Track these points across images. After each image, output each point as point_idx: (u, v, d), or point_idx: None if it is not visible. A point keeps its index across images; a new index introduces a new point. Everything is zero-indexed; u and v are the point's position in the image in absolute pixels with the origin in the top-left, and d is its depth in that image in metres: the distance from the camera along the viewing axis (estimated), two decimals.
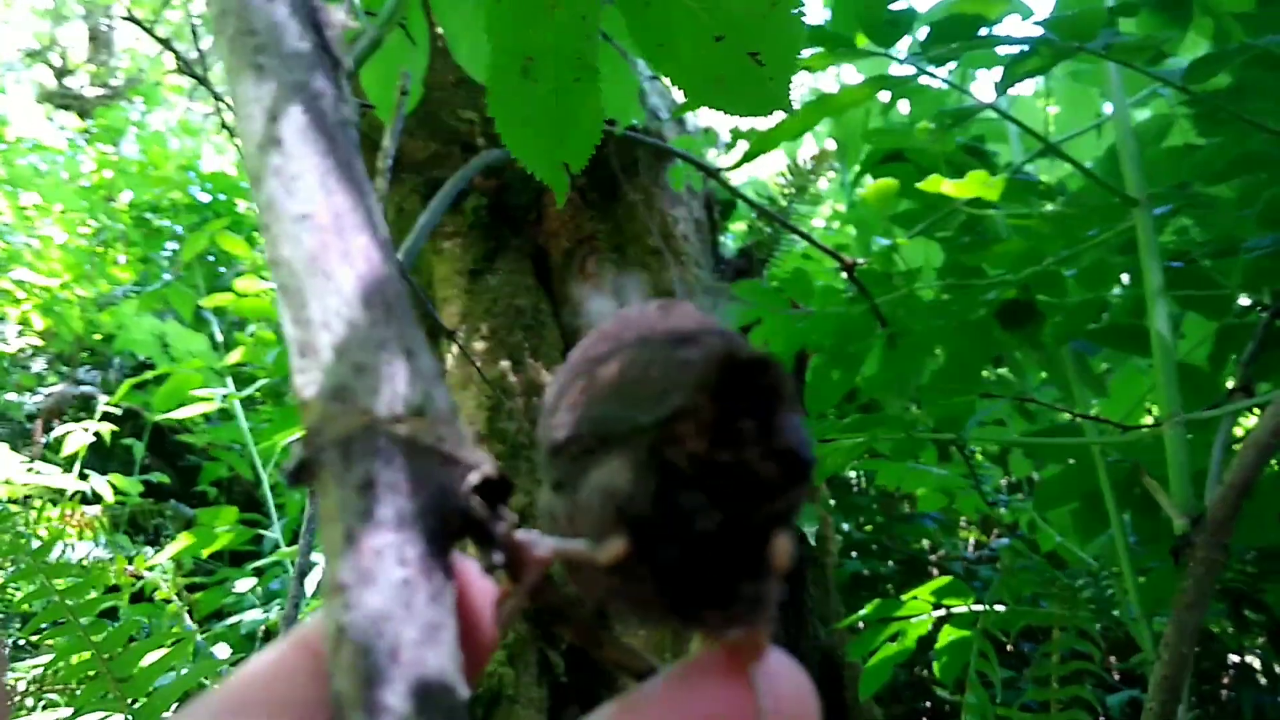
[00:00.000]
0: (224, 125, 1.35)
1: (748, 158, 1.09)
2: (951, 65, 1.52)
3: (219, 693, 0.26)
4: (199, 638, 1.93)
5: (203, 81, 1.10)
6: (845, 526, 3.07)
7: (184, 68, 1.13)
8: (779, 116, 1.01)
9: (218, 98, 1.29)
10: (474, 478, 0.26)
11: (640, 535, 0.25)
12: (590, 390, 0.28)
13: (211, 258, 4.04)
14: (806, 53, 0.96)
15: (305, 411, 0.26)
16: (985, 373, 1.71)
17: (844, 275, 1.48)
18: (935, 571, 2.98)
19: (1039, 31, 0.91)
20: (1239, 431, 1.39)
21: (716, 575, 0.26)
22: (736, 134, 1.18)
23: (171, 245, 4.39)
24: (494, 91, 0.79)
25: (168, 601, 2.17)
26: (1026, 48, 0.91)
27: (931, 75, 1.01)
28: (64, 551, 2.59)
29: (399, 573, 0.24)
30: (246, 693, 0.26)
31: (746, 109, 0.73)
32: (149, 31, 1.15)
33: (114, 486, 2.90)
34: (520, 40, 0.77)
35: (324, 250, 0.28)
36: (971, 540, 3.28)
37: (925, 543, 3.17)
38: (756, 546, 0.26)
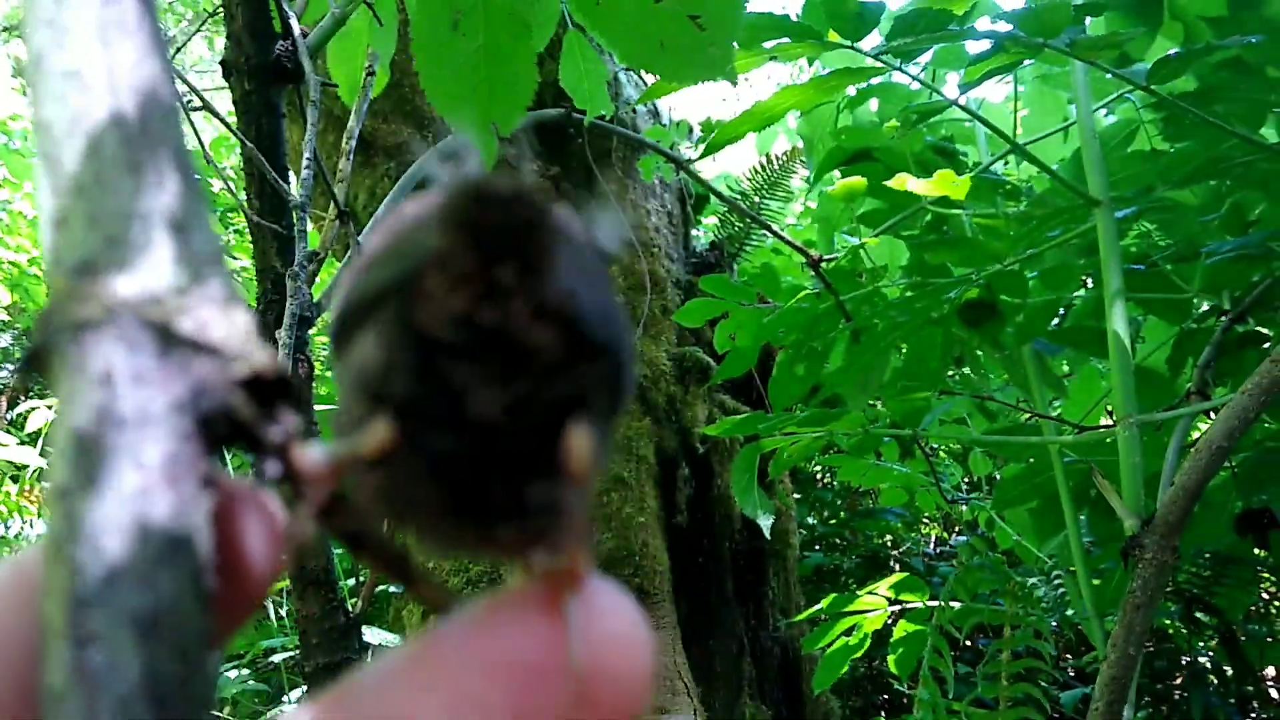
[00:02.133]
0: (202, 103, 1.34)
1: (713, 147, 1.08)
2: (921, 64, 1.52)
3: None
4: None
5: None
6: (810, 520, 3.09)
7: None
8: (736, 106, 1.00)
9: (182, 79, 1.27)
10: (239, 371, 0.22)
11: (406, 421, 0.22)
12: (356, 268, 0.24)
13: None
14: (772, 43, 0.96)
15: (50, 293, 0.22)
16: (950, 372, 1.72)
17: (810, 271, 1.48)
18: (896, 566, 3.00)
19: (1006, 29, 0.91)
20: (1195, 436, 1.40)
21: (499, 474, 0.22)
22: (708, 126, 1.17)
23: None
24: (420, 46, 0.76)
25: None
26: (992, 43, 0.91)
27: (899, 70, 1.01)
28: (23, 528, 2.56)
29: (133, 479, 0.20)
30: None
31: (687, 75, 0.71)
32: None
33: None
34: None
35: (90, 111, 0.24)
36: (933, 536, 3.31)
37: (887, 538, 3.19)
38: (544, 440, 0.22)
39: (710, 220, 2.94)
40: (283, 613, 2.17)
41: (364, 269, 0.24)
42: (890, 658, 1.35)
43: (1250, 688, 1.95)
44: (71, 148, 0.24)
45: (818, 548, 3.04)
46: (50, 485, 0.20)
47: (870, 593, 1.35)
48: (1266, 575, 1.68)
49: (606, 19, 0.70)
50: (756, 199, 2.58)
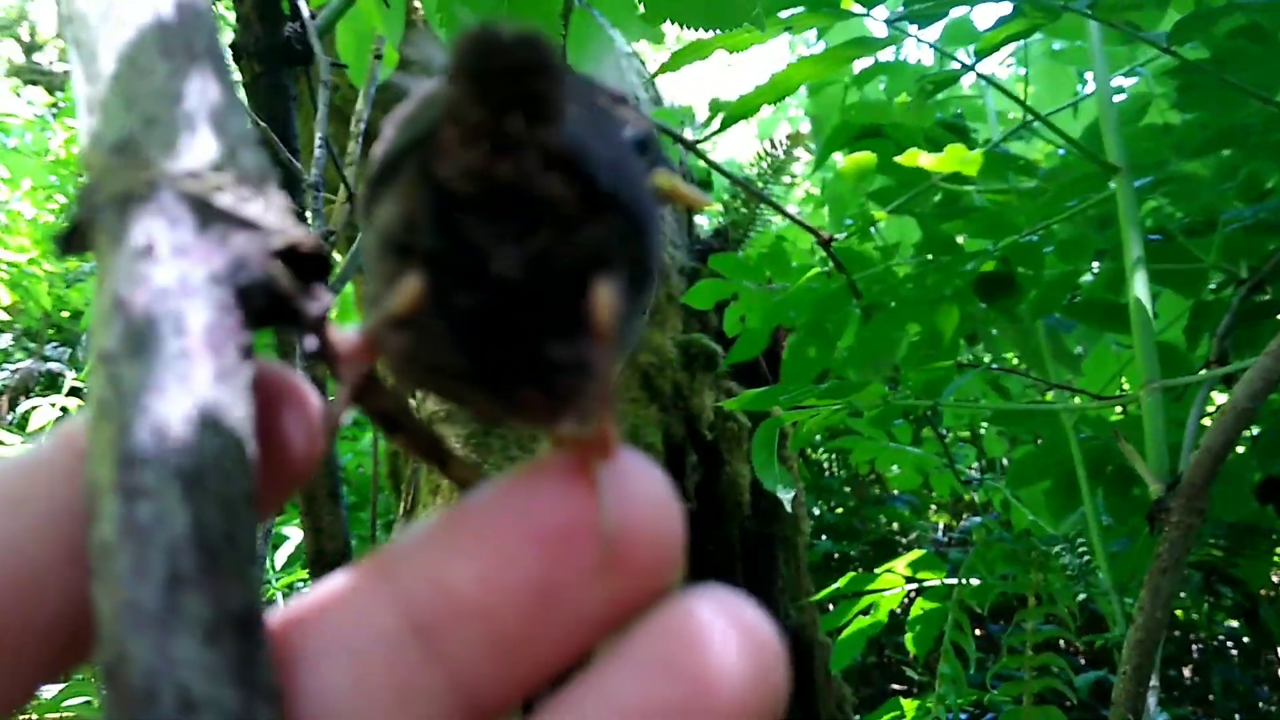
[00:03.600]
0: None
1: (729, 120, 1.08)
2: (932, 38, 1.52)
3: None
4: None
5: None
6: (816, 510, 3.09)
7: None
8: (749, 81, 1.00)
9: None
10: (277, 243, 0.22)
11: (431, 277, 0.22)
12: (383, 137, 0.24)
13: None
14: (788, 13, 0.95)
15: (88, 171, 0.23)
16: (961, 351, 1.71)
17: (821, 250, 1.48)
18: (905, 554, 2.99)
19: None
20: (1212, 408, 1.40)
21: (522, 331, 0.22)
22: (715, 105, 1.16)
23: None
24: None
25: None
26: (1013, 6, 0.90)
27: (915, 37, 1.00)
28: None
29: (175, 343, 0.20)
30: None
31: (713, 21, 0.70)
32: None
33: None
34: None
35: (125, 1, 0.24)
36: (941, 524, 3.30)
37: (895, 525, 3.19)
38: (566, 296, 0.22)
39: (714, 206, 2.93)
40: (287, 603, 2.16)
41: (389, 135, 0.24)
42: (908, 635, 1.34)
43: (1271, 656, 1.95)
44: (107, 35, 0.24)
45: (825, 536, 3.03)
46: (94, 352, 0.21)
47: (888, 570, 1.34)
48: None
49: None
50: (760, 184, 2.58)
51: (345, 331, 0.24)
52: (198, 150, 0.23)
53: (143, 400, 0.20)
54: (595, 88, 0.26)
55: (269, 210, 0.23)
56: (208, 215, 0.22)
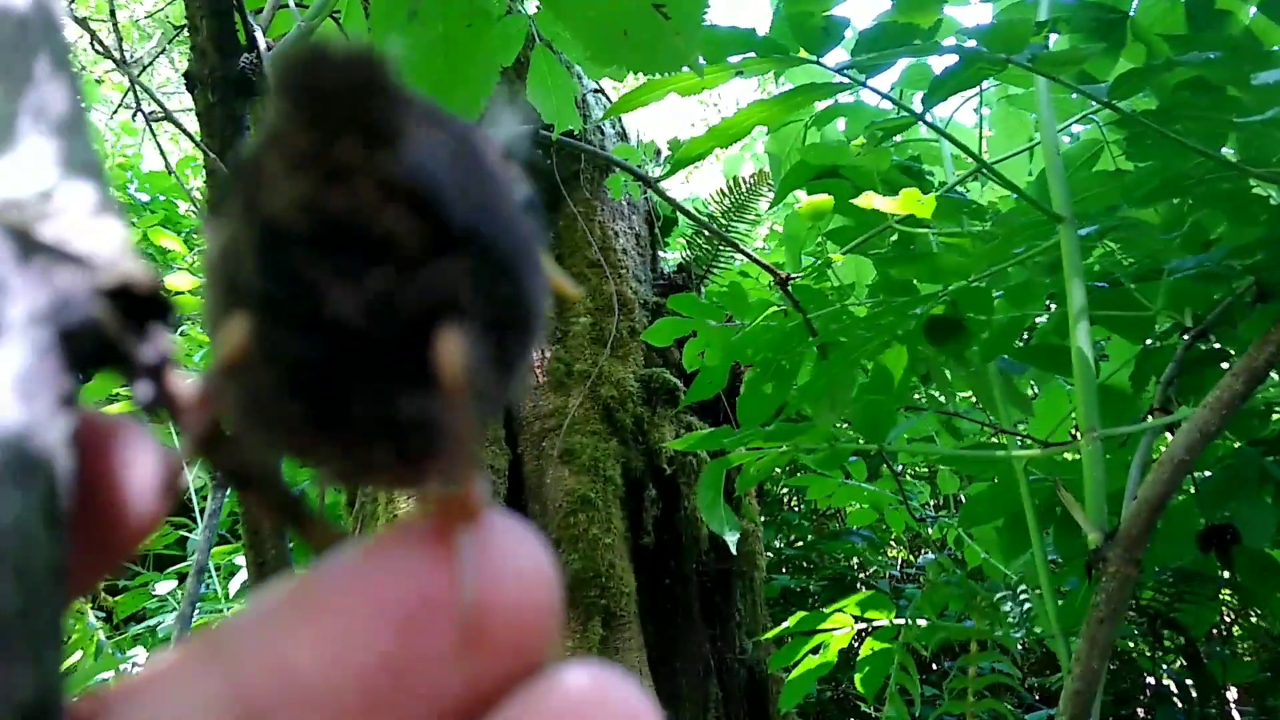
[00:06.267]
0: (164, 113, 1.32)
1: (678, 163, 1.08)
2: (890, 83, 1.54)
3: None
4: (102, 636, 1.87)
5: (119, 62, 1.07)
6: (776, 543, 3.08)
7: (102, 50, 1.10)
8: (704, 128, 1.00)
9: (145, 90, 1.26)
10: (108, 281, 0.20)
11: (261, 320, 0.19)
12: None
13: (147, 257, 3.97)
14: (738, 58, 0.96)
15: None
16: (916, 391, 1.72)
17: (778, 289, 1.48)
18: (863, 589, 3.00)
19: (970, 44, 0.92)
20: (1157, 456, 1.41)
21: (365, 382, 0.20)
22: (675, 145, 1.17)
23: None
24: (379, 38, 0.75)
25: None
26: (959, 58, 0.92)
27: (864, 85, 1.02)
28: None
29: None
30: None
31: (653, 64, 0.69)
32: (71, 16, 1.13)
33: None
34: None
35: None
36: (900, 559, 3.31)
37: (854, 560, 3.19)
38: (414, 344, 0.19)
39: (678, 242, 2.95)
40: None
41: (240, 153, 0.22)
42: (856, 676, 1.34)
43: (1214, 705, 1.96)
44: None
45: (785, 570, 3.03)
46: None
47: (837, 610, 1.34)
48: (1228, 592, 1.69)
49: (570, 9, 0.69)
50: (724, 222, 2.59)
51: (187, 376, 0.22)
52: (23, 176, 0.21)
53: None
54: (481, 135, 0.23)
55: (102, 244, 0.21)
56: (29, 248, 0.20)
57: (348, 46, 0.18)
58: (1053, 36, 1.27)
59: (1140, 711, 2.22)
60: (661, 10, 0.65)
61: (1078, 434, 1.64)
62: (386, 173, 0.18)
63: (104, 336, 0.20)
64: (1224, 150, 1.21)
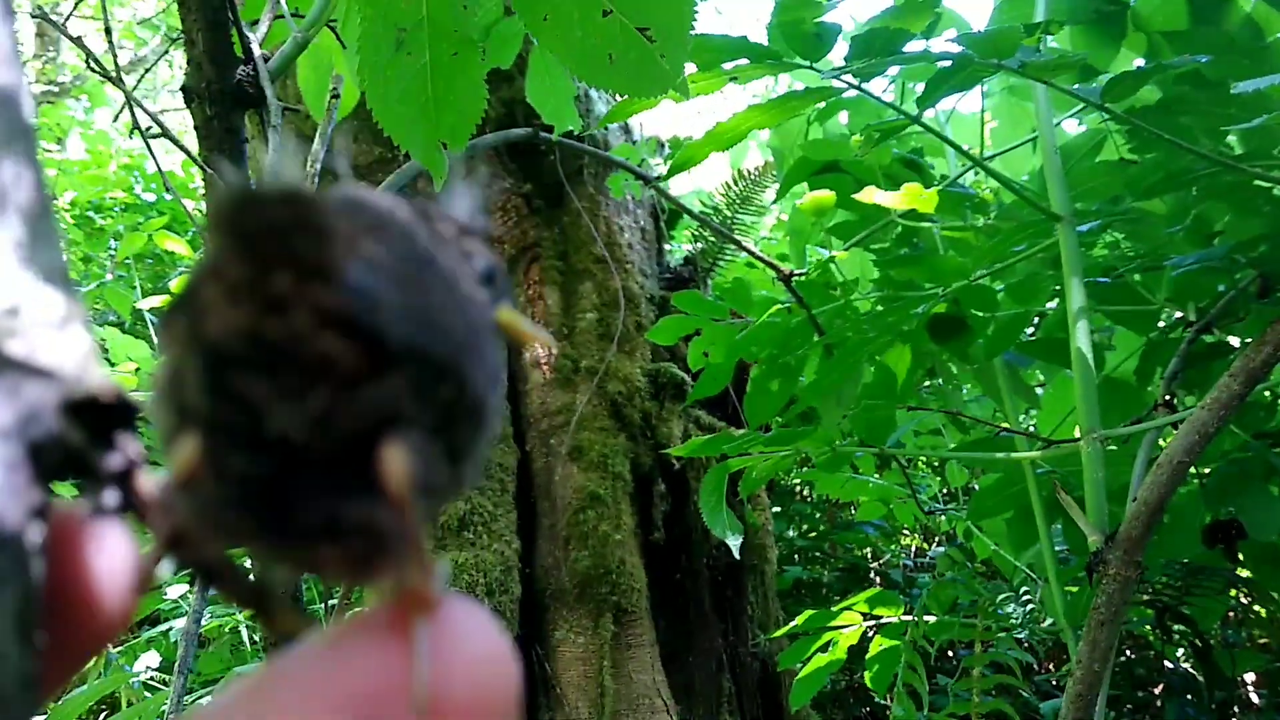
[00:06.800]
0: (160, 130, 1.32)
1: (676, 168, 1.08)
2: (892, 73, 1.53)
3: None
4: (112, 650, 1.89)
5: (115, 81, 1.08)
6: (789, 534, 3.08)
7: (98, 70, 1.11)
8: (710, 120, 1.00)
9: (139, 105, 1.26)
10: (73, 395, 0.21)
11: (208, 438, 0.20)
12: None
13: (153, 259, 3.98)
14: (732, 65, 0.96)
15: None
16: (924, 384, 1.72)
17: (782, 285, 1.48)
18: (876, 579, 3.00)
19: (958, 50, 0.92)
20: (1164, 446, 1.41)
21: (310, 494, 0.21)
22: (676, 143, 1.17)
23: (115, 245, 4.32)
24: (367, 67, 0.75)
25: None
26: (949, 64, 0.91)
27: (858, 89, 1.01)
28: None
29: None
30: None
31: (638, 88, 0.69)
32: (59, 28, 1.13)
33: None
34: (393, 10, 0.74)
35: None
36: (913, 548, 3.31)
37: (867, 550, 3.19)
38: (356, 456, 0.20)
39: (684, 235, 2.94)
40: (257, 637, 2.15)
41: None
42: (867, 675, 1.34)
43: (1223, 694, 1.95)
44: None
45: (797, 561, 3.03)
46: None
47: (846, 607, 1.34)
48: (1236, 587, 1.68)
49: (555, 34, 0.70)
50: (729, 214, 2.58)
51: (153, 481, 0.23)
52: None
53: None
54: (439, 216, 0.25)
55: (68, 357, 0.21)
56: None
57: (279, 186, 0.18)
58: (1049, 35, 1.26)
59: (1157, 698, 2.22)
60: (646, 34, 0.65)
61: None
62: (320, 301, 0.19)
63: (70, 448, 0.21)
64: (1229, 139, 1.20)
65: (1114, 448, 1.27)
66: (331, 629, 0.22)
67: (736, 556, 1.49)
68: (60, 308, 0.22)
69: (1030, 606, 1.21)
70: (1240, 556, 1.24)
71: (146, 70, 1.95)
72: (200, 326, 0.20)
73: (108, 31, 1.13)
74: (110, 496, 0.22)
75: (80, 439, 0.21)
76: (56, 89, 7.21)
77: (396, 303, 0.20)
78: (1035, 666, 2.29)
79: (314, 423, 0.20)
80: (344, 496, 0.21)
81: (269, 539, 0.22)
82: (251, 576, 0.25)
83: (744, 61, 0.95)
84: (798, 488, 3.17)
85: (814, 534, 3.13)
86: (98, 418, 0.21)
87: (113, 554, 0.22)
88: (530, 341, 0.26)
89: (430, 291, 0.22)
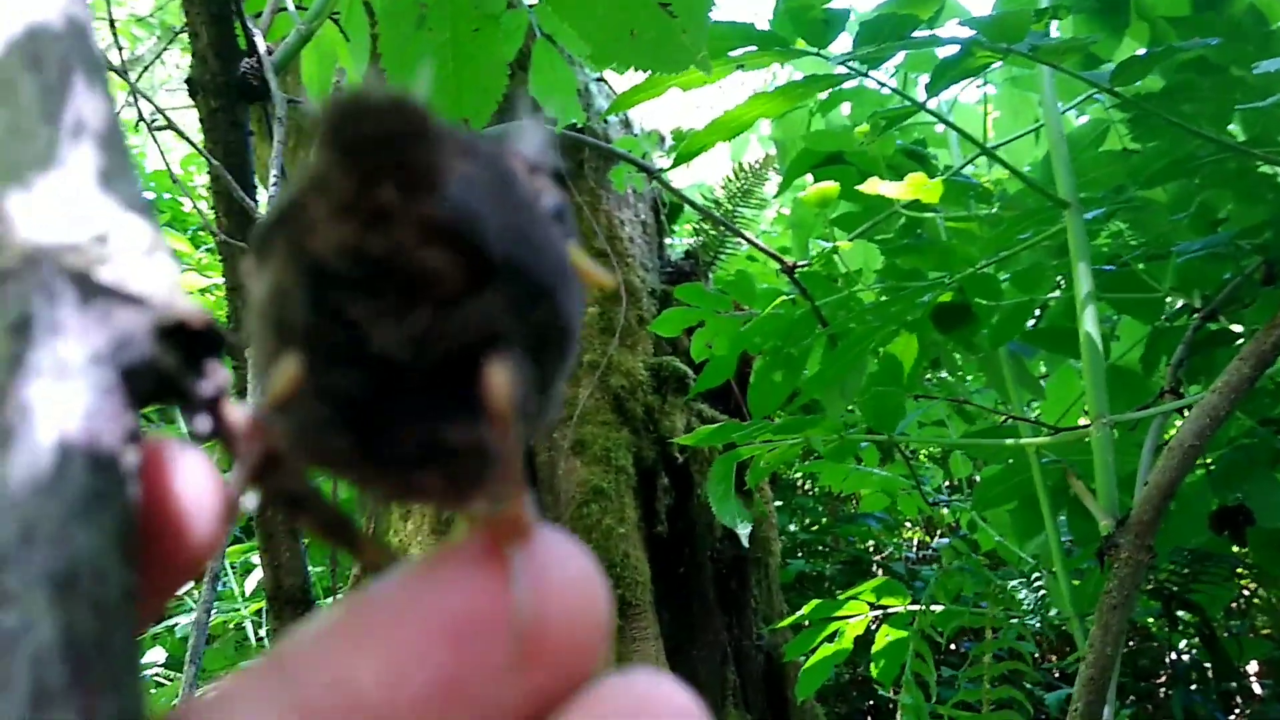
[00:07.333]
0: (166, 122, 1.32)
1: (682, 158, 1.08)
2: (893, 65, 1.53)
3: None
4: None
5: (120, 72, 1.07)
6: (791, 527, 3.09)
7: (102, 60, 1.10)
8: (710, 114, 1.00)
9: (145, 98, 1.26)
10: (163, 320, 0.21)
11: (311, 358, 0.20)
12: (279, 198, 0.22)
13: None
14: (739, 51, 0.96)
15: None
16: (928, 375, 1.72)
17: (785, 277, 1.48)
18: (879, 571, 3.00)
19: (970, 33, 0.92)
20: (1171, 434, 1.41)
21: (412, 413, 0.21)
22: (679, 135, 1.17)
23: None
24: (387, 45, 0.75)
25: None
26: (958, 49, 0.91)
27: (865, 76, 1.01)
28: None
29: (51, 434, 0.19)
30: None
31: (659, 63, 0.69)
32: None
33: None
34: None
35: (5, 60, 0.23)
36: (915, 540, 3.31)
37: (870, 543, 3.19)
38: (458, 375, 0.20)
39: (685, 229, 2.94)
40: (262, 633, 2.15)
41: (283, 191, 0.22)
42: (873, 667, 1.34)
43: (1232, 684, 1.96)
44: None
45: (800, 554, 3.04)
46: None
47: (852, 598, 1.34)
48: (1243, 571, 1.68)
49: (577, 9, 0.69)
50: (730, 207, 2.58)
51: (241, 408, 0.22)
52: (80, 220, 0.21)
53: (11, 496, 0.18)
54: (510, 152, 0.24)
55: (157, 284, 0.22)
56: (89, 291, 0.21)
57: (387, 94, 0.18)
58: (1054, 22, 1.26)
59: (1161, 688, 2.23)
60: (667, 9, 0.65)
61: (1088, 416, 1.64)
62: (425, 215, 0.19)
63: (162, 373, 0.21)
64: (1230, 127, 1.20)
65: (1120, 435, 1.27)
66: (423, 558, 0.22)
67: (746, 545, 1.49)
68: (147, 235, 0.22)
69: (1042, 592, 1.21)
70: (1246, 543, 1.24)
71: (145, 68, 1.94)
72: (303, 242, 0.20)
73: (111, 25, 1.13)
74: (202, 422, 0.22)
75: (173, 364, 0.21)
76: None
77: (495, 220, 0.20)
78: (1038, 658, 2.29)
79: (416, 340, 0.20)
80: (444, 417, 0.21)
81: (367, 462, 0.21)
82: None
83: (752, 49, 0.95)
84: (799, 481, 3.18)
85: (816, 527, 3.13)
86: (187, 344, 0.22)
87: (201, 481, 0.22)
88: (594, 282, 0.26)
89: (521, 213, 0.21)
